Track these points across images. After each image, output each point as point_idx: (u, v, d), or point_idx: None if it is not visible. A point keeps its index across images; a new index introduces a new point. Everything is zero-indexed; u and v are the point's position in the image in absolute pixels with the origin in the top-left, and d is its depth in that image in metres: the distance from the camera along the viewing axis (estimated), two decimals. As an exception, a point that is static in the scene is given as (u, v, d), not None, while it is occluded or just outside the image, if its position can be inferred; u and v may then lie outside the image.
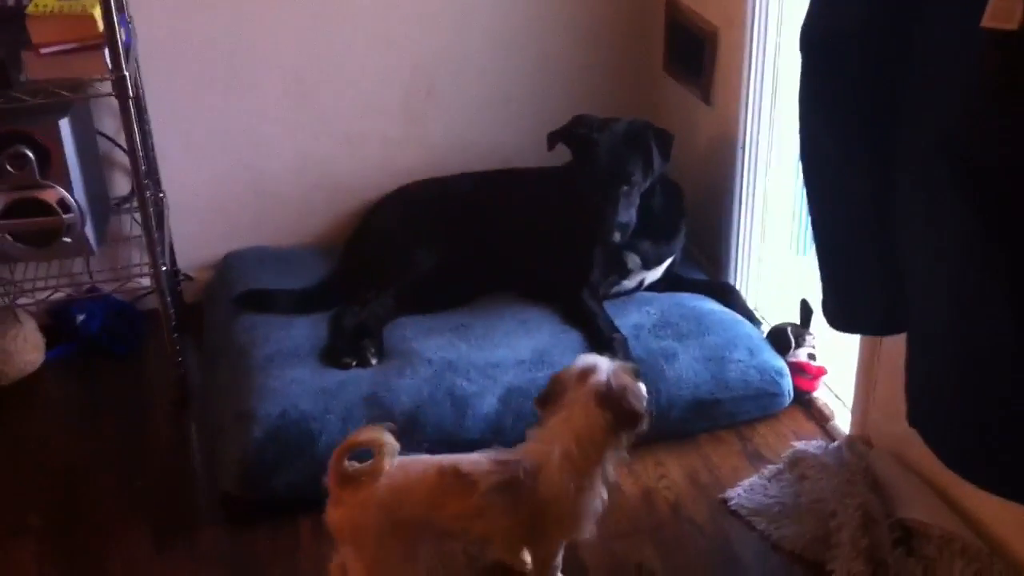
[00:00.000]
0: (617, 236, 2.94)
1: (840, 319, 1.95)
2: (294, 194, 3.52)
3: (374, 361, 2.82)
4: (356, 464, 2.04)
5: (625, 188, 2.95)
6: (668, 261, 3.19)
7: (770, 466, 2.69)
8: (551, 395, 2.16)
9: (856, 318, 1.95)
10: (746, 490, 2.62)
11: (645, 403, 2.12)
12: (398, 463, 2.04)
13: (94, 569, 2.45)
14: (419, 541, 2.16)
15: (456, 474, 2.06)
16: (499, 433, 2.65)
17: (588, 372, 2.11)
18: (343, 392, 2.68)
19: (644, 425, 2.12)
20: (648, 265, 3.15)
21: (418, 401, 2.67)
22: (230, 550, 2.49)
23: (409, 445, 2.55)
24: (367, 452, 2.04)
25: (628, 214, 2.96)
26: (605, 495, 2.15)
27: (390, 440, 1.99)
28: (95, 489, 2.71)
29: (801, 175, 1.87)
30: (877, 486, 2.45)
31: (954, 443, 1.65)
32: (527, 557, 2.33)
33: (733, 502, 2.58)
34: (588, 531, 2.16)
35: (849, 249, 1.83)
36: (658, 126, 3.06)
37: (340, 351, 2.85)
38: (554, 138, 3.09)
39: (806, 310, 2.98)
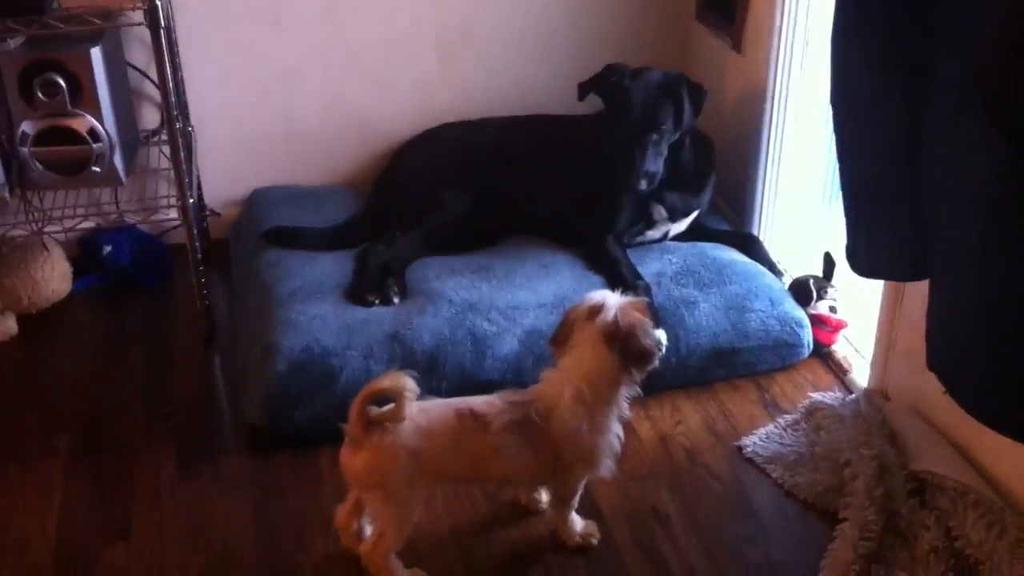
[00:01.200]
0: (644, 184, 2.94)
1: (864, 264, 1.96)
2: (323, 132, 3.53)
3: (396, 300, 2.85)
4: (377, 409, 2.05)
5: (655, 137, 2.95)
6: (694, 214, 3.19)
7: (787, 416, 2.71)
8: (562, 334, 2.16)
9: (880, 263, 1.95)
10: (762, 438, 2.64)
11: (655, 339, 2.11)
12: (419, 407, 2.06)
13: (120, 491, 2.50)
14: (441, 483, 2.21)
15: (471, 415, 2.08)
16: (519, 375, 2.67)
17: (596, 310, 2.10)
18: (365, 329, 2.71)
19: (654, 361, 2.12)
20: (674, 217, 3.15)
21: (439, 340, 2.69)
22: (252, 477, 2.54)
23: (429, 384, 2.61)
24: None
25: (656, 164, 2.96)
26: (621, 432, 2.17)
27: (412, 385, 2.00)
28: (121, 415, 2.76)
29: (831, 120, 1.87)
30: (893, 438, 2.47)
31: (972, 386, 1.66)
32: (542, 496, 2.37)
33: (748, 449, 2.61)
34: (607, 468, 2.18)
35: (877, 190, 1.83)
36: (692, 79, 3.05)
37: (364, 289, 2.87)
38: (585, 87, 3.08)
39: (829, 263, 2.98)
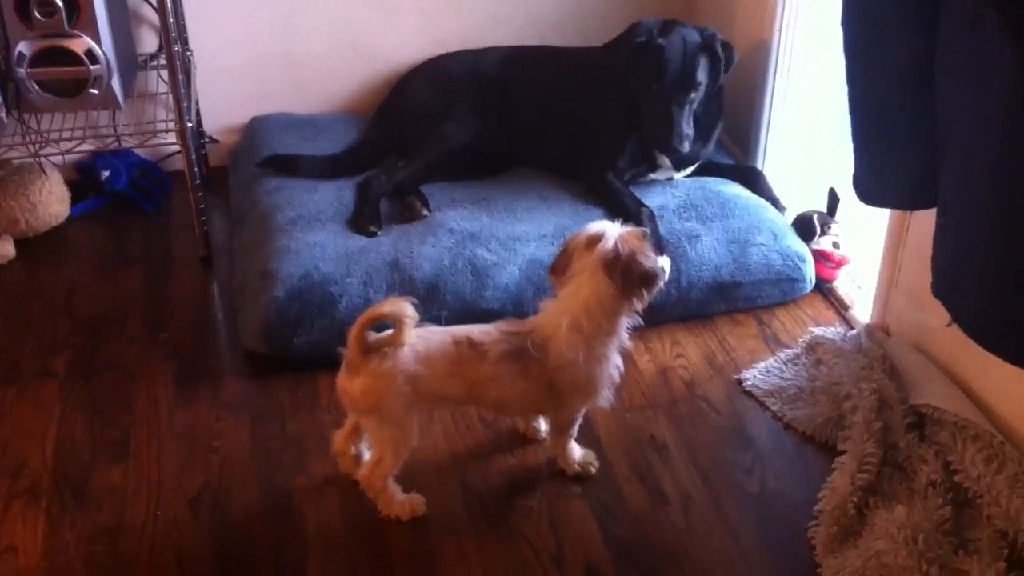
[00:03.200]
0: (685, 146, 2.90)
1: (870, 192, 1.93)
2: (325, 59, 3.48)
3: (426, 212, 2.87)
4: (376, 334, 2.04)
5: (692, 96, 2.90)
6: (699, 163, 3.15)
7: (787, 350, 2.71)
8: (561, 264, 2.13)
9: (886, 190, 1.93)
10: (761, 372, 2.63)
11: (656, 262, 2.08)
12: (417, 334, 2.05)
13: (117, 412, 2.50)
14: (438, 409, 2.23)
15: (469, 343, 2.08)
16: (519, 305, 2.67)
17: (595, 239, 2.07)
18: (365, 257, 2.69)
19: (659, 284, 2.09)
20: (679, 167, 3.11)
21: (439, 269, 2.68)
22: (250, 402, 2.54)
23: (428, 313, 2.61)
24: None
25: (691, 124, 2.92)
26: (620, 363, 2.16)
27: (412, 312, 1.98)
28: (120, 338, 2.75)
29: (841, 43, 1.83)
30: (893, 373, 2.47)
31: (977, 312, 1.64)
32: (541, 425, 2.37)
33: (748, 383, 2.60)
34: (605, 399, 2.17)
35: (886, 114, 1.80)
36: (722, 38, 2.98)
37: (366, 218, 2.85)
38: (615, 47, 3.01)
39: (833, 198, 2.96)
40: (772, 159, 3.22)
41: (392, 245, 2.75)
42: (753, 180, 3.13)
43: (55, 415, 2.48)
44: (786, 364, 2.65)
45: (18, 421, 2.47)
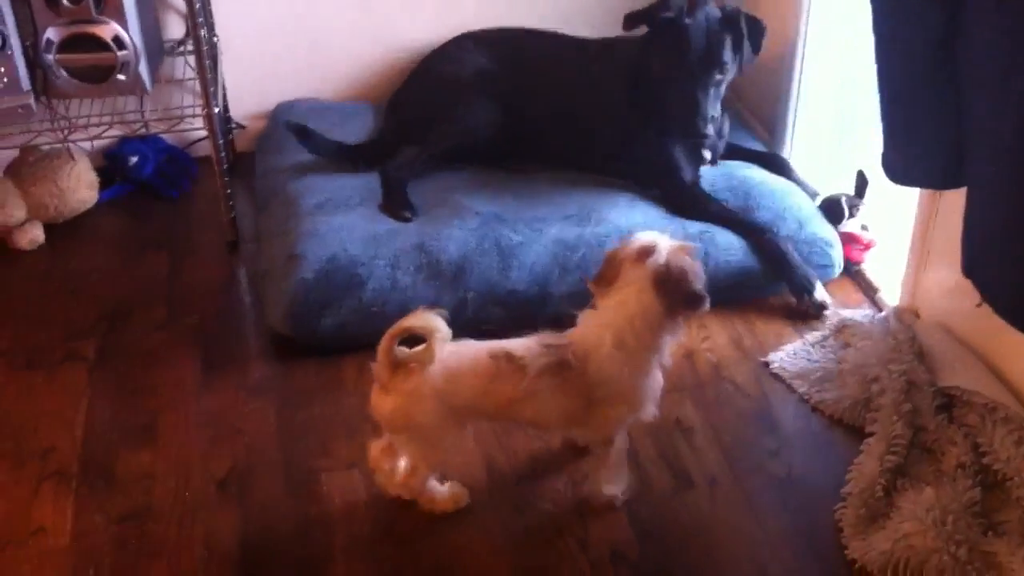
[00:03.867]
0: (710, 130, 2.82)
1: (900, 171, 1.92)
2: (350, 46, 3.48)
3: (408, 215, 2.83)
4: (406, 349, 1.96)
5: (718, 78, 2.81)
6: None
7: (815, 333, 2.69)
8: (606, 275, 2.03)
9: (915, 169, 1.91)
10: (789, 355, 2.61)
11: (705, 284, 2.00)
12: (450, 349, 1.97)
13: (143, 396, 2.52)
14: (473, 423, 2.12)
15: (507, 358, 1.99)
16: (544, 285, 2.67)
17: (646, 252, 1.98)
18: (392, 240, 2.69)
19: (705, 306, 1.98)
20: (714, 160, 3.04)
21: (465, 251, 2.67)
22: (276, 384, 2.55)
23: (455, 294, 2.61)
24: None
25: (716, 107, 2.84)
26: (661, 379, 2.08)
27: (443, 326, 1.91)
28: (147, 323, 2.77)
29: (871, 21, 1.82)
30: (922, 355, 2.44)
31: (1008, 291, 1.62)
32: None
33: (775, 365, 2.59)
34: (649, 413, 2.08)
35: (914, 91, 1.78)
36: (749, 13, 2.90)
37: (398, 205, 2.86)
38: (635, 19, 2.89)
39: (862, 180, 2.93)
40: (800, 140, 3.19)
41: (418, 228, 2.75)
42: (779, 168, 3.09)
43: (83, 399, 2.50)
44: (813, 347, 2.63)
45: (46, 405, 2.49)
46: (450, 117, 3.10)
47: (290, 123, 3.12)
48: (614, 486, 2.19)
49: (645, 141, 2.96)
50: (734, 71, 2.87)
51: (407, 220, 2.81)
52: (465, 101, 3.11)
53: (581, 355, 2.00)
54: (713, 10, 2.85)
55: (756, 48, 2.89)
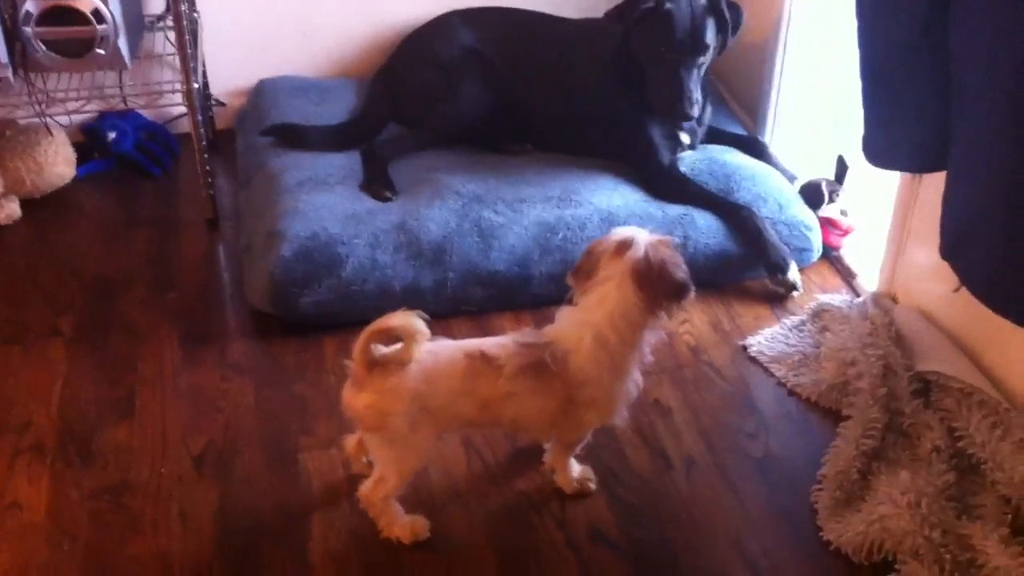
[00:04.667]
0: (696, 111, 2.84)
1: (880, 154, 1.93)
2: (332, 22, 3.47)
3: (388, 195, 2.83)
4: (383, 348, 1.91)
5: (701, 60, 2.83)
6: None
7: (793, 317, 2.70)
8: (584, 268, 1.99)
9: (896, 152, 1.92)
10: (767, 338, 2.63)
11: (687, 272, 1.96)
12: (427, 348, 1.91)
13: (123, 371, 2.50)
14: (448, 428, 2.08)
15: (482, 358, 1.95)
16: (525, 266, 2.67)
17: (625, 246, 1.94)
18: (372, 219, 2.68)
19: (690, 294, 1.95)
20: (693, 145, 3.05)
21: (446, 231, 2.67)
22: (256, 362, 2.54)
23: (436, 273, 2.60)
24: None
25: (699, 90, 2.85)
26: (640, 379, 2.05)
27: (421, 327, 1.85)
28: (126, 299, 2.76)
29: (855, 8, 1.82)
30: (900, 340, 2.46)
31: (986, 274, 1.64)
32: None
33: (753, 349, 2.60)
34: (620, 417, 2.06)
35: (895, 75, 1.79)
36: None
37: (380, 184, 2.85)
38: (617, 16, 2.89)
39: (842, 166, 2.94)
40: (781, 125, 3.20)
41: (399, 207, 2.74)
42: (758, 152, 3.10)
43: (61, 374, 2.49)
44: (791, 331, 2.65)
45: (24, 379, 2.47)
46: (444, 100, 3.10)
47: (274, 127, 3.10)
48: (582, 472, 2.19)
49: (627, 122, 2.96)
50: (714, 54, 2.89)
51: (387, 200, 2.80)
52: (458, 84, 3.11)
53: (560, 355, 1.96)
54: None
55: (735, 30, 2.91)
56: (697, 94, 2.84)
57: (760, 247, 2.78)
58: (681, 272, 1.95)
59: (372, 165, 2.95)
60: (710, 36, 2.83)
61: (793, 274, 2.77)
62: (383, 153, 2.98)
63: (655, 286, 1.92)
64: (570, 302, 2.02)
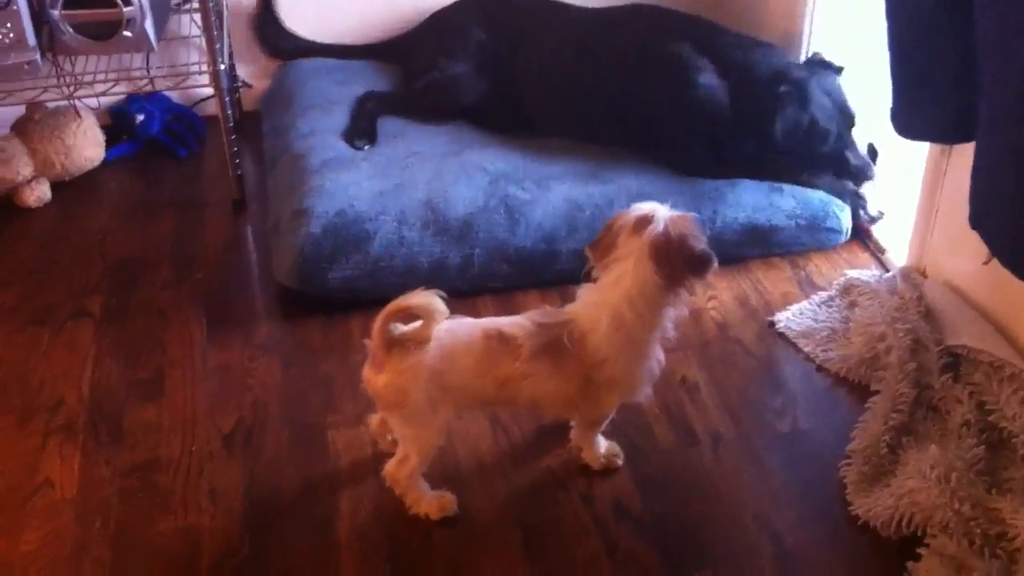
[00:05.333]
0: (872, 172, 2.88)
1: (908, 126, 1.91)
2: (357, 6, 3.47)
3: (359, 145, 2.94)
4: (402, 327, 1.92)
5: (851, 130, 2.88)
6: None
7: (821, 293, 2.68)
8: (602, 242, 1.97)
9: (924, 123, 1.90)
10: (795, 314, 2.61)
11: (708, 248, 1.92)
12: (445, 327, 1.92)
13: (151, 352, 2.52)
14: (466, 406, 2.09)
15: (500, 338, 1.95)
16: (552, 243, 2.67)
17: (644, 222, 1.91)
18: (399, 196, 2.69)
19: (713, 266, 1.91)
20: None
21: (472, 208, 2.67)
22: (282, 341, 2.56)
23: (462, 250, 2.60)
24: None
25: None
26: (662, 357, 2.03)
27: (440, 306, 1.85)
28: (154, 280, 2.78)
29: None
30: (929, 314, 2.44)
31: (1014, 242, 1.62)
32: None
33: (781, 324, 2.58)
34: (644, 395, 2.05)
35: (922, 46, 1.77)
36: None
37: (358, 132, 2.97)
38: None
39: (872, 153, 2.92)
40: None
41: (426, 184, 2.74)
42: None
43: (90, 355, 2.51)
44: (820, 306, 2.63)
45: (54, 361, 2.50)
46: (438, 71, 3.15)
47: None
48: (608, 448, 2.19)
49: (657, 113, 2.93)
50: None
51: (359, 149, 2.91)
52: (455, 64, 3.15)
53: (578, 336, 1.95)
54: (812, 83, 2.82)
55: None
56: (860, 157, 2.88)
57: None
58: (701, 245, 1.91)
59: (359, 113, 3.07)
60: (847, 107, 2.85)
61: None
62: (373, 105, 3.09)
63: (674, 261, 1.89)
64: (587, 277, 2.00)
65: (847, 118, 2.84)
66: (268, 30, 3.47)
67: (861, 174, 2.87)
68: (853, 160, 2.87)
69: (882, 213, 2.89)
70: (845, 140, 2.86)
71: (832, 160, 2.87)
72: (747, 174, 2.84)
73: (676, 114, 2.88)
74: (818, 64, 2.90)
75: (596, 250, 1.98)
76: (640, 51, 2.98)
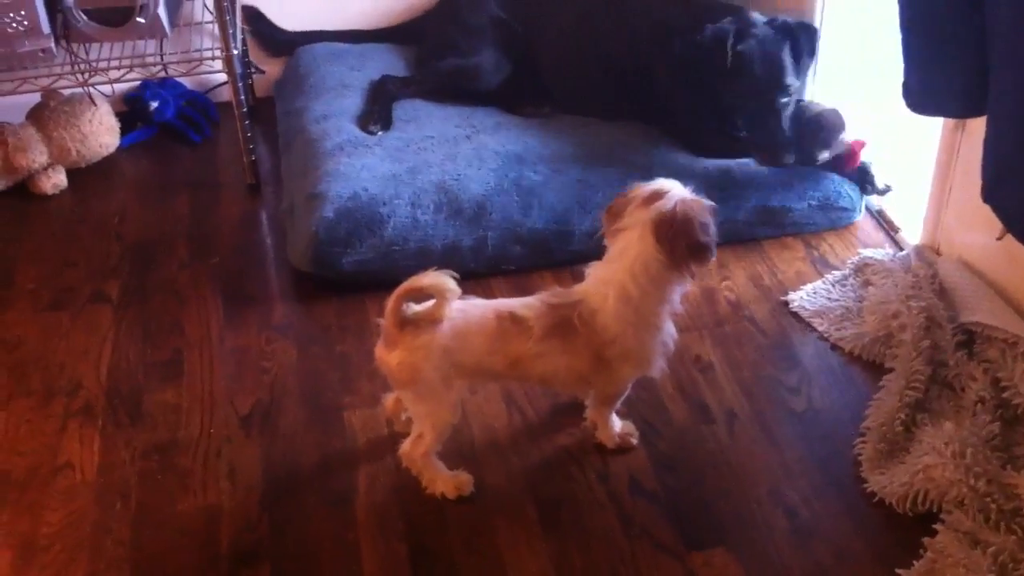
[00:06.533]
0: (790, 159, 2.76)
1: (921, 101, 1.91)
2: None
3: (373, 129, 2.95)
4: (415, 307, 1.95)
5: (785, 100, 2.76)
6: None
7: (835, 272, 2.68)
8: (615, 210, 1.99)
9: (936, 98, 1.90)
10: (809, 293, 2.61)
11: (713, 235, 1.93)
12: (458, 307, 1.95)
13: (169, 335, 2.55)
14: (479, 381, 2.12)
15: (512, 319, 1.97)
16: (564, 223, 2.67)
17: (655, 196, 1.93)
18: (413, 179, 2.70)
19: (711, 257, 1.94)
20: None
21: (485, 190, 2.68)
22: (298, 323, 2.57)
23: (475, 232, 2.61)
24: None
25: (789, 128, 2.77)
26: (674, 331, 2.05)
27: (452, 286, 1.88)
28: (170, 264, 2.80)
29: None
30: (943, 292, 2.44)
31: (1022, 212, 1.62)
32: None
33: (795, 304, 2.59)
34: (657, 369, 2.06)
35: (934, 21, 1.77)
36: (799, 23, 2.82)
37: (373, 117, 2.98)
38: (688, 61, 2.82)
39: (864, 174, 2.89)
40: (821, 81, 3.16)
41: (439, 167, 2.75)
42: None
43: (108, 338, 2.54)
44: (833, 285, 2.63)
45: (73, 344, 2.52)
46: (460, 55, 3.15)
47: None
48: (623, 426, 2.20)
49: (667, 92, 2.93)
50: (801, 86, 2.82)
51: (372, 134, 2.91)
52: (478, 49, 3.15)
53: (588, 315, 1.97)
54: (764, 28, 2.76)
55: (812, 55, 2.83)
56: (787, 135, 2.77)
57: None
58: (704, 234, 1.91)
59: (377, 98, 3.08)
60: (790, 76, 2.75)
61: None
62: (391, 90, 3.09)
63: (674, 242, 1.90)
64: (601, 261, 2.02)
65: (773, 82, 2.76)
66: (264, 35, 3.49)
67: (770, 152, 2.77)
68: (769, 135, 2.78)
69: (889, 187, 2.87)
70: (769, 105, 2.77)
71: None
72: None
73: (669, 79, 2.90)
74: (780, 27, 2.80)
75: (609, 215, 2.01)
76: (629, 20, 3.02)
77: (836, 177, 2.84)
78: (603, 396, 2.14)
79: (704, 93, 2.86)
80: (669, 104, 2.94)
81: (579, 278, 2.06)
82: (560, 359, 1.99)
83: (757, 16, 2.82)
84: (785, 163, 2.77)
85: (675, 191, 1.94)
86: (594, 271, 2.02)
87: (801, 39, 2.77)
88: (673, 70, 2.89)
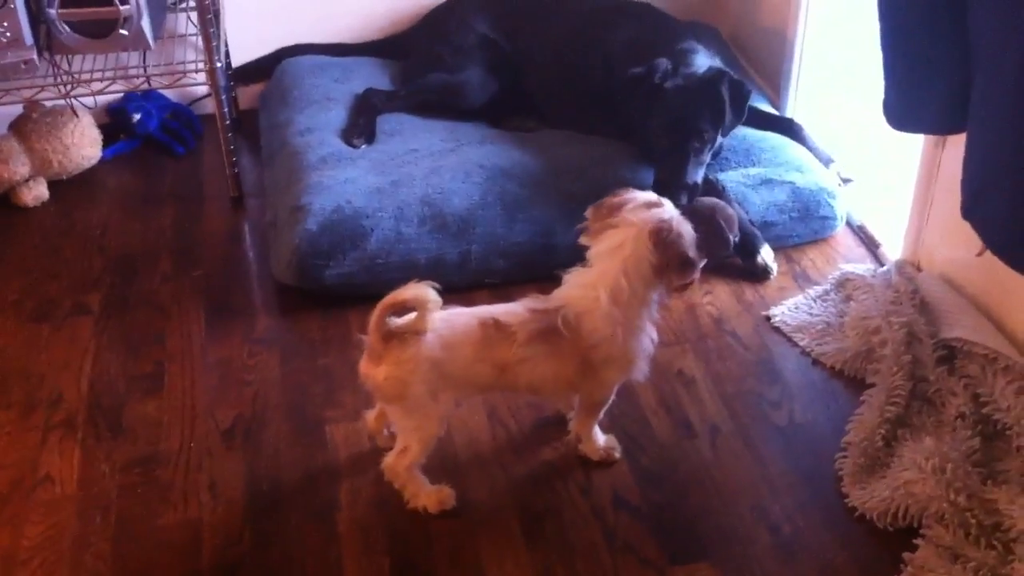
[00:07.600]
0: (683, 199, 2.63)
1: (901, 118, 1.93)
2: (356, 3, 3.49)
3: (357, 143, 2.96)
4: (397, 320, 1.94)
5: (696, 145, 2.71)
6: None
7: (816, 287, 2.70)
8: (607, 207, 2.00)
9: (916, 115, 1.92)
10: (790, 308, 2.63)
11: (699, 261, 1.98)
12: (442, 317, 1.95)
13: (151, 347, 2.54)
14: (467, 393, 2.12)
15: (496, 326, 1.97)
16: (548, 237, 2.68)
17: (654, 204, 1.98)
18: (397, 192, 2.70)
19: (695, 274, 1.99)
20: None
21: (470, 204, 2.68)
22: (281, 336, 2.57)
23: (459, 246, 2.62)
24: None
25: (697, 173, 2.71)
26: (655, 335, 2.06)
27: (433, 296, 1.88)
28: (153, 276, 2.79)
29: None
30: (924, 307, 2.45)
31: (1007, 232, 1.63)
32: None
33: (776, 319, 2.60)
34: (641, 371, 2.08)
35: (913, 39, 1.79)
36: (735, 76, 2.78)
37: (357, 130, 2.98)
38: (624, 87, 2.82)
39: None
40: (803, 97, 3.18)
41: (423, 180, 2.76)
42: (793, 134, 3.04)
43: (90, 350, 2.52)
44: (815, 300, 2.64)
45: (54, 356, 2.51)
46: (446, 71, 3.16)
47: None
48: (607, 440, 2.21)
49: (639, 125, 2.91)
50: (716, 139, 2.78)
51: (355, 147, 2.93)
52: (464, 67, 3.16)
53: (573, 319, 1.97)
54: (695, 73, 2.75)
55: (739, 114, 2.79)
56: (693, 178, 2.69)
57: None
58: (693, 252, 1.97)
59: (359, 110, 3.09)
60: (705, 123, 2.70)
61: (766, 256, 2.75)
62: (375, 103, 3.10)
63: (668, 250, 1.94)
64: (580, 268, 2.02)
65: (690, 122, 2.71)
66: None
67: (668, 189, 2.61)
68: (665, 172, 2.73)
69: (848, 180, 2.91)
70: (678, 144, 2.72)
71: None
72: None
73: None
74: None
75: (598, 212, 2.02)
76: (604, 39, 3.03)
77: (815, 187, 2.84)
78: (589, 403, 2.15)
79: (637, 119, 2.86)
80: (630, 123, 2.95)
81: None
82: (546, 364, 2.00)
83: (702, 58, 2.82)
84: (677, 202, 2.62)
85: (669, 206, 1.99)
86: (575, 277, 2.03)
87: (729, 92, 2.72)
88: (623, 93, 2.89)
